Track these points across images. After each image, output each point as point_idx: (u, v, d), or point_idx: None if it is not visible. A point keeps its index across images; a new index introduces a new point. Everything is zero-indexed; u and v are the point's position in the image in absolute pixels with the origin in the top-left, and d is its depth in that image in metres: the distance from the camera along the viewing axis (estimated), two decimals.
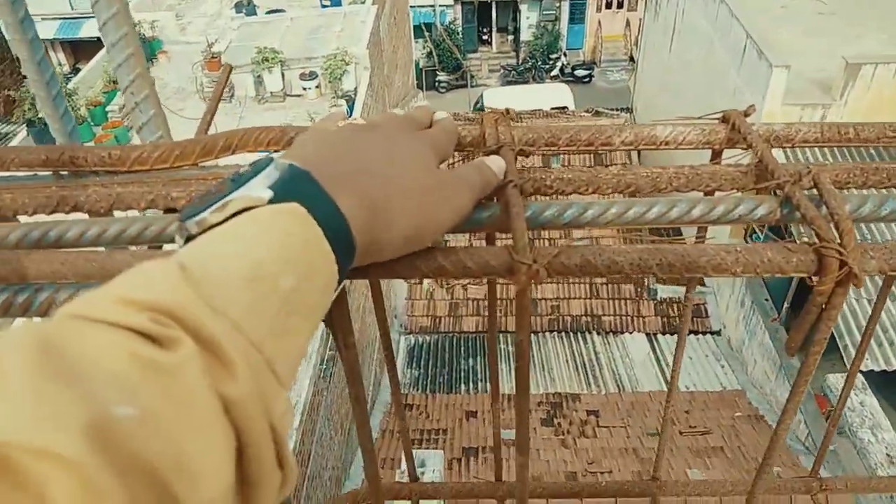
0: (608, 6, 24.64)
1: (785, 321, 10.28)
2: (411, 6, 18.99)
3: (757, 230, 10.79)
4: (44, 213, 0.50)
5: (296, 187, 0.45)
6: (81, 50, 22.26)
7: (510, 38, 25.78)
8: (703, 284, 11.93)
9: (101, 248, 0.47)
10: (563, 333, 11.62)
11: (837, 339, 8.49)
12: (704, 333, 11.36)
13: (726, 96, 10.22)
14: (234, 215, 0.43)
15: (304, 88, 10.72)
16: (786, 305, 10.68)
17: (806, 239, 0.46)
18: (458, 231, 0.52)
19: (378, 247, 0.48)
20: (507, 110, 0.55)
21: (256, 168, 0.46)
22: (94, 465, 0.30)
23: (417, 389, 10.90)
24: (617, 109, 17.09)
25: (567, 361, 11.28)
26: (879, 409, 4.58)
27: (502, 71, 24.70)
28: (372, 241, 0.48)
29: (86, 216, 0.51)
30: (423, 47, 23.82)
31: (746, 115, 0.54)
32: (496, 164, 0.55)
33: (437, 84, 23.67)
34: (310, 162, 0.48)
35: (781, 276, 0.43)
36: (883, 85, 9.46)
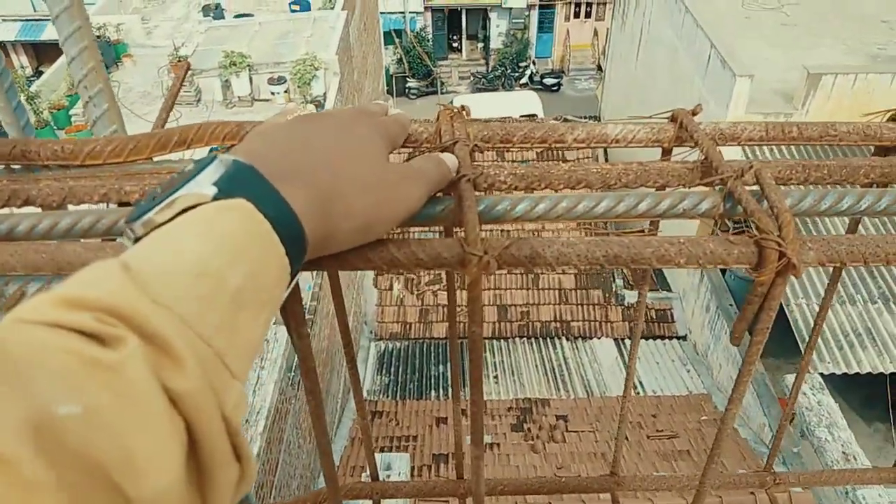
0: (576, 16, 24.93)
1: (749, 325, 10.45)
2: (381, 13, 19.00)
3: (729, 224, 10.94)
4: None
5: (241, 183, 0.45)
6: (44, 53, 21.84)
7: (480, 45, 25.93)
8: (669, 290, 12.09)
9: (53, 242, 0.47)
10: (532, 339, 11.69)
11: (800, 343, 8.67)
12: (670, 338, 11.51)
13: (691, 105, 10.34)
14: (180, 213, 0.43)
15: (273, 93, 10.66)
16: None
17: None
18: (411, 225, 0.52)
19: (330, 238, 0.49)
20: (463, 107, 0.56)
21: (201, 165, 0.46)
22: (28, 462, 0.30)
23: (387, 396, 10.86)
24: (585, 117, 17.31)
25: (536, 367, 11.34)
26: (836, 409, 4.69)
27: (472, 78, 24.82)
28: (324, 232, 0.48)
29: (38, 210, 0.51)
30: (394, 53, 23.84)
31: (694, 113, 0.55)
32: (450, 160, 0.56)
33: (407, 90, 23.69)
34: (256, 156, 0.48)
35: (723, 267, 0.44)
36: (842, 94, 9.72)
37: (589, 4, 24.70)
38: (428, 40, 24.64)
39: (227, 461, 0.38)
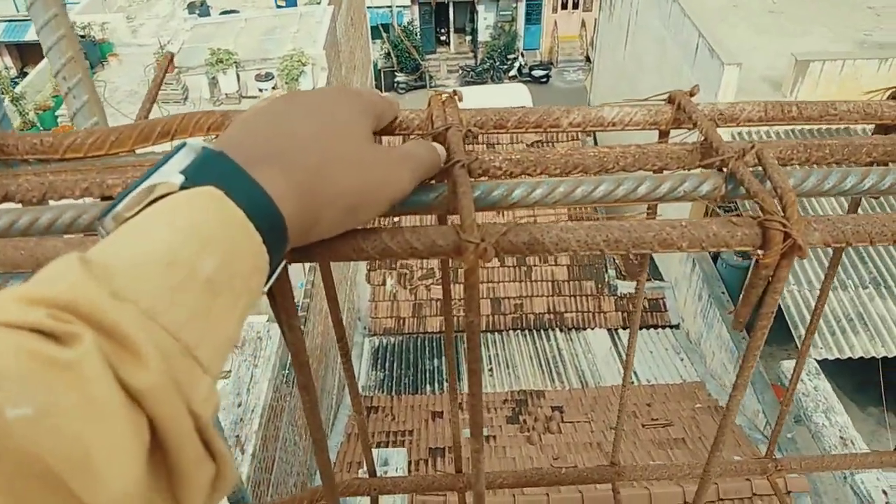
0: (564, 7, 24.89)
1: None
2: (368, 7, 18.90)
3: (718, 210, 10.97)
4: None
5: (210, 170, 0.44)
6: (29, 53, 21.63)
7: (468, 38, 25.86)
8: (661, 279, 12.12)
9: (33, 238, 0.45)
10: (526, 331, 11.71)
11: (792, 329, 8.72)
12: (663, 327, 11.56)
13: None
14: (149, 205, 0.42)
15: (260, 90, 10.60)
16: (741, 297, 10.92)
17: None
18: (403, 213, 0.51)
19: (315, 223, 0.47)
20: (455, 92, 0.54)
21: (169, 154, 0.45)
22: None
23: (382, 391, 10.85)
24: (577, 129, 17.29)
25: (531, 359, 11.37)
26: (832, 393, 4.71)
27: (461, 71, 24.76)
28: (307, 217, 0.46)
29: (18, 206, 0.49)
30: (381, 48, 23.74)
31: (692, 94, 0.54)
32: (440, 149, 0.54)
33: (395, 85, 23.62)
34: (232, 143, 0.47)
35: (716, 252, 0.43)
36: (830, 81, 9.75)
37: None
38: (416, 34, 24.55)
39: (198, 459, 0.37)
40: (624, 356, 11.22)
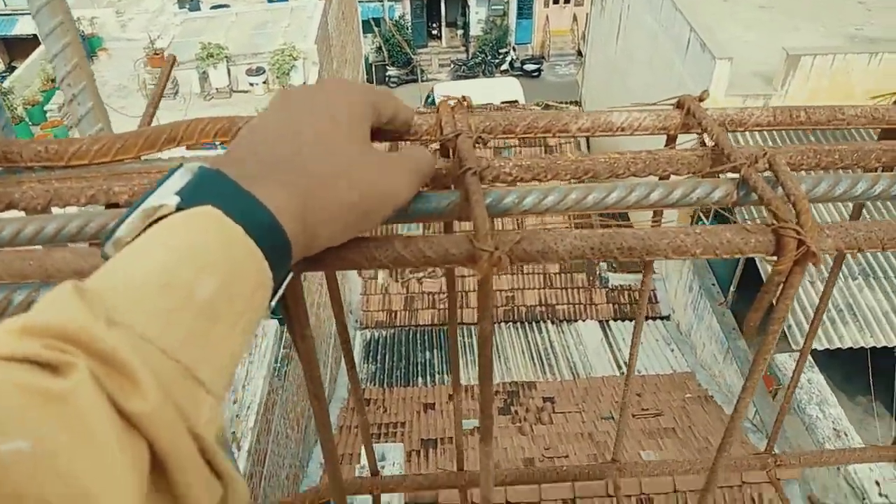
0: (555, 1, 24.85)
1: (732, 304, 10.57)
2: (359, 1, 18.83)
3: (702, 215, 11.05)
4: None
5: (206, 188, 0.43)
6: (16, 48, 21.40)
7: (459, 32, 25.79)
8: (653, 271, 12.19)
9: (39, 247, 0.45)
10: (518, 324, 11.76)
11: (785, 326, 8.76)
12: (654, 318, 11.63)
13: (671, 88, 10.42)
14: (148, 227, 0.41)
15: (251, 84, 10.55)
16: (732, 289, 10.99)
17: (749, 222, 0.46)
18: (414, 220, 0.50)
19: (317, 235, 0.47)
20: (464, 98, 0.54)
21: (165, 175, 0.44)
22: None
23: (374, 384, 10.87)
24: (565, 103, 17.32)
25: (523, 351, 11.42)
26: (826, 386, 4.76)
27: (452, 65, 24.70)
28: (309, 228, 0.46)
29: (22, 215, 0.48)
30: (373, 42, 23.64)
31: (701, 100, 0.54)
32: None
33: (387, 79, 23.54)
34: (232, 159, 0.47)
35: (738, 257, 0.43)
36: (821, 75, 9.79)
37: None
38: (407, 28, 24.47)
39: (203, 482, 0.37)
40: (615, 347, 11.26)
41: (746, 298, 10.89)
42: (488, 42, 24.27)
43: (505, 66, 24.11)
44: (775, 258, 0.43)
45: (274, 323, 5.47)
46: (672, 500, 7.40)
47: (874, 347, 8.69)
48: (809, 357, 5.52)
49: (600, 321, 11.70)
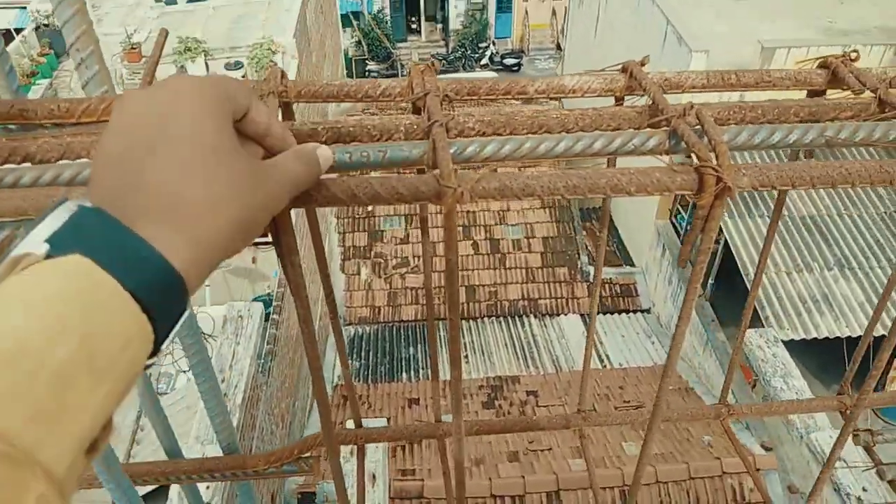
0: None
1: (710, 297, 10.73)
2: None
3: (681, 210, 11.20)
4: None
5: (80, 233, 0.41)
6: None
7: (439, 27, 25.82)
8: (632, 265, 12.31)
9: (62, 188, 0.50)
10: (501, 318, 11.82)
11: (759, 311, 8.93)
12: (635, 312, 11.74)
13: None
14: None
15: None
16: (710, 282, 11.15)
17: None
18: (388, 167, 0.56)
19: (207, 261, 0.46)
20: (433, 62, 0.60)
21: (44, 213, 0.41)
22: None
23: (358, 380, 10.89)
24: (544, 102, 17.41)
25: (506, 345, 11.49)
26: (790, 360, 4.90)
27: (432, 60, 24.71)
28: (199, 259, 0.45)
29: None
30: (352, 36, 23.61)
31: (643, 64, 0.61)
32: (325, 155, 0.52)
33: (367, 73, 23.52)
34: (100, 189, 0.44)
35: (667, 194, 0.50)
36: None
37: None
38: (386, 22, 24.45)
39: None
40: (597, 339, 11.34)
41: (725, 291, 11.06)
42: (468, 36, 24.33)
43: (485, 61, 24.19)
44: (698, 195, 0.50)
45: (259, 305, 5.49)
46: (654, 491, 7.52)
47: (849, 337, 8.87)
48: (774, 333, 5.64)
49: (582, 315, 11.80)
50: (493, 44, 24.75)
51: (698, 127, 0.54)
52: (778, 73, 0.62)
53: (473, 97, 0.60)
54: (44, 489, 0.35)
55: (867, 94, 0.59)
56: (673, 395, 9.86)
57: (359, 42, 23.75)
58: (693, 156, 0.51)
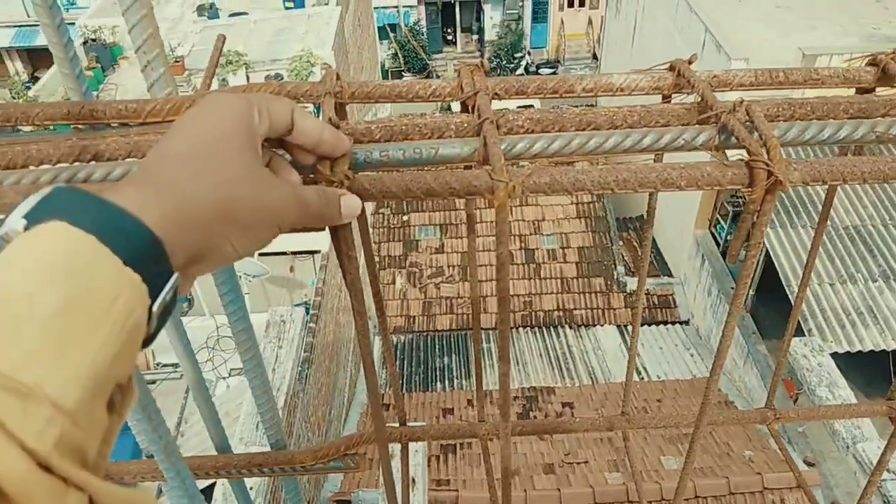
0: (570, 4, 24.92)
1: (751, 308, 10.53)
2: (375, 7, 19.02)
3: (721, 220, 11.03)
4: (66, 161, 0.55)
5: (52, 205, 0.43)
6: (38, 58, 21.86)
7: (475, 37, 25.94)
8: (670, 275, 12.14)
9: None
10: (536, 329, 11.76)
11: (802, 323, 8.73)
12: (673, 323, 11.57)
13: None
14: None
15: None
16: (751, 293, 10.94)
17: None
18: (441, 163, 0.57)
19: (186, 219, 0.48)
20: (482, 63, 0.62)
21: (21, 200, 0.44)
22: None
23: (392, 389, 10.94)
24: (581, 105, 17.38)
25: (541, 356, 11.41)
26: (835, 369, 4.77)
27: (481, 60, 24.81)
28: (178, 218, 0.47)
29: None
30: (388, 48, 23.87)
31: (690, 63, 0.61)
32: (349, 203, 0.54)
33: None
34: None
35: (719, 189, 0.50)
36: None
37: None
38: (422, 34, 24.66)
39: (45, 494, 0.36)
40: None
41: (766, 302, 10.84)
42: (503, 46, 24.39)
43: (520, 71, 24.21)
44: (748, 190, 0.50)
45: (300, 310, 5.57)
46: None
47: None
48: (819, 342, 5.51)
49: (618, 326, 11.67)
50: (529, 54, 24.78)
51: (748, 123, 0.54)
52: (826, 70, 0.62)
53: (522, 96, 0.62)
54: (51, 413, 0.37)
55: None
56: (714, 409, 9.68)
57: (395, 54, 23.99)
58: (744, 151, 0.51)
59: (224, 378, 9.23)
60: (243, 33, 12.03)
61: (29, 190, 0.50)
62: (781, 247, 9.27)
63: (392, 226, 12.53)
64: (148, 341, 0.47)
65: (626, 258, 12.35)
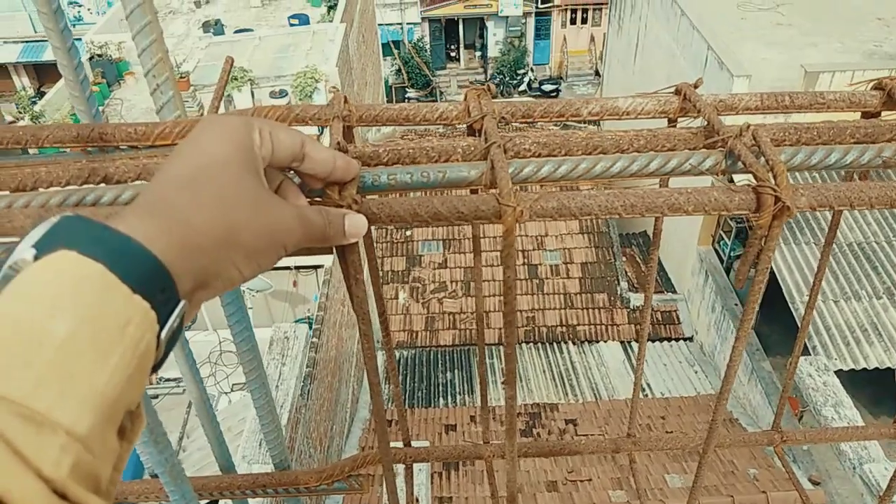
0: (573, 22, 25.10)
1: (755, 324, 10.49)
2: (379, 24, 19.17)
3: (724, 236, 11.02)
4: (76, 184, 0.56)
5: (60, 234, 0.44)
6: (45, 73, 22.06)
7: (478, 54, 26.11)
8: (674, 291, 12.11)
9: None
10: (539, 344, 11.72)
11: (806, 340, 8.69)
12: (677, 340, 11.52)
13: None
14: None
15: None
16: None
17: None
18: (448, 187, 0.57)
19: (191, 244, 0.48)
20: (489, 86, 0.62)
21: (26, 232, 0.45)
22: None
23: (395, 405, 10.89)
24: (584, 122, 17.46)
25: (544, 372, 11.36)
26: (841, 388, 4.74)
27: (488, 84, 24.95)
28: (196, 256, 0.48)
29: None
30: (392, 64, 24.03)
31: (696, 86, 0.62)
32: (354, 222, 0.55)
33: (406, 101, 23.83)
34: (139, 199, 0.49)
35: (726, 214, 0.50)
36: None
37: (585, 10, 24.88)
38: (426, 50, 24.83)
39: None
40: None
41: (769, 318, 10.81)
42: (506, 63, 24.54)
43: (523, 87, 24.33)
44: (756, 215, 0.50)
45: (304, 327, 5.56)
46: None
47: None
48: (825, 361, 5.48)
49: (622, 342, 11.63)
50: (532, 70, 24.91)
51: (755, 147, 0.54)
52: (832, 94, 0.62)
53: (528, 119, 0.62)
54: (65, 441, 0.38)
55: None
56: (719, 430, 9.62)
57: (399, 70, 24.14)
58: (751, 176, 0.51)
59: (226, 393, 9.20)
60: (248, 50, 12.13)
61: (38, 213, 0.50)
62: (786, 264, 9.25)
63: (395, 241, 12.55)
64: (156, 367, 0.47)
65: (629, 274, 12.33)
